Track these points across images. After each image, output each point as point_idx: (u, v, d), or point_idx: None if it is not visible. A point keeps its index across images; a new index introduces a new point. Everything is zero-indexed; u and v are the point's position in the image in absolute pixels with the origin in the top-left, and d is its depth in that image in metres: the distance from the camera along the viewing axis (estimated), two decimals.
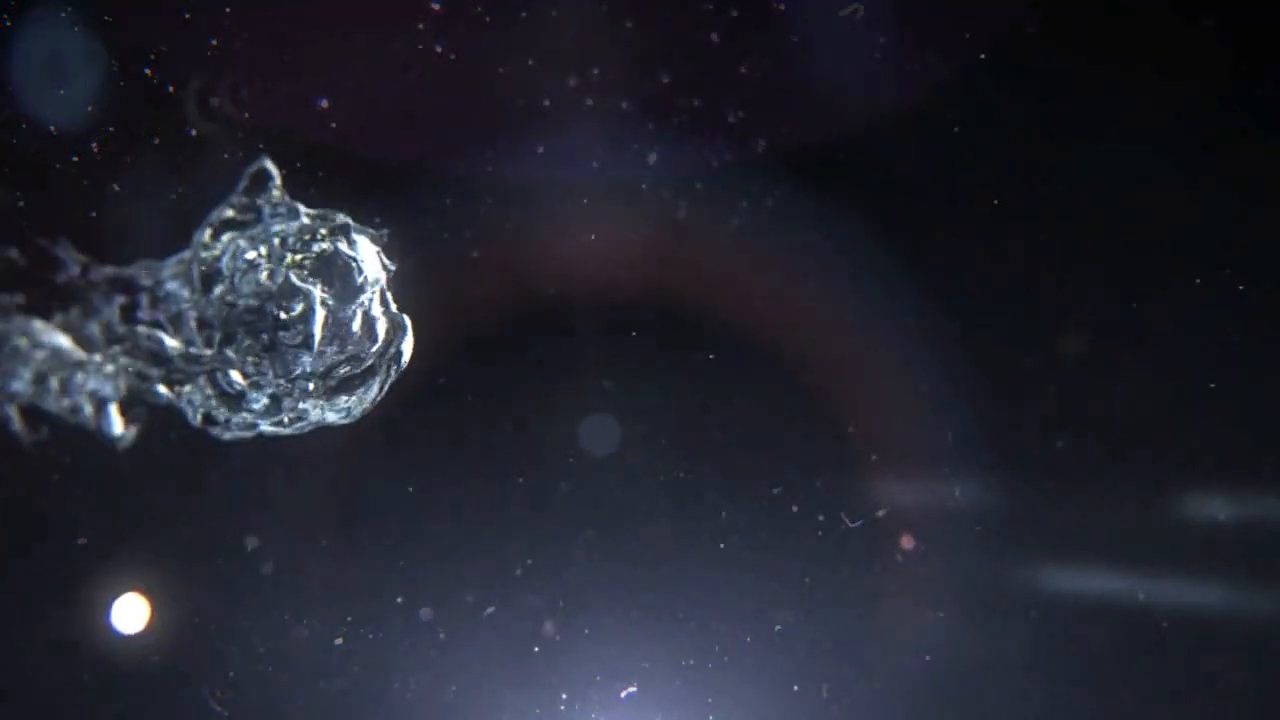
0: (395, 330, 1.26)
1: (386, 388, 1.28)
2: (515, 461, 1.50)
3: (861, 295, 1.51)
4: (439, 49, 1.38)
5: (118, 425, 1.30)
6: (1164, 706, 1.55)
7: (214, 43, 1.35)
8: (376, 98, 1.40)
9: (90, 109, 1.34)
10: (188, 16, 1.35)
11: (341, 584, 1.49)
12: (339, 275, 1.21)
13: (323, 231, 1.22)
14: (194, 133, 1.36)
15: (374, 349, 1.24)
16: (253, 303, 1.20)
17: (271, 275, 1.20)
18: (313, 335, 1.19)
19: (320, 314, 1.19)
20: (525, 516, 1.50)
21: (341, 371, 1.24)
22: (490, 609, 1.50)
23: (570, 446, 1.50)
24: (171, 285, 1.26)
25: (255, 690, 1.48)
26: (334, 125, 1.37)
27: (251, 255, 1.21)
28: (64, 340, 1.29)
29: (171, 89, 1.35)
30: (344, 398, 1.26)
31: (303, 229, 1.23)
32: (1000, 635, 1.54)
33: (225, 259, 1.22)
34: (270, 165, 1.24)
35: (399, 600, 1.49)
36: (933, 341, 1.51)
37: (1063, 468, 1.53)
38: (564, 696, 1.50)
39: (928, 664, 1.54)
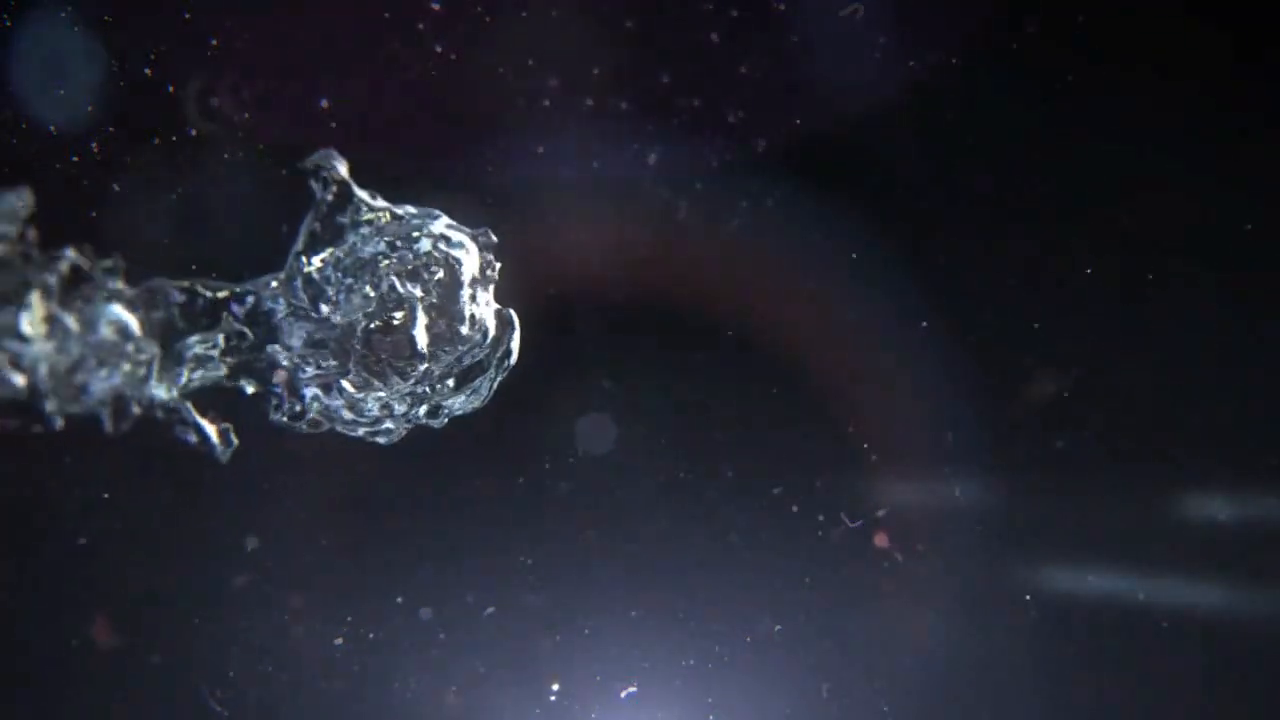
0: (504, 327, 1.24)
1: (496, 386, 1.26)
2: (515, 461, 1.50)
3: (861, 295, 1.51)
4: (439, 49, 1.38)
5: (215, 435, 1.28)
6: (1164, 706, 1.55)
7: (214, 43, 1.35)
8: (376, 98, 1.40)
9: (90, 109, 1.34)
10: (188, 16, 1.35)
11: (341, 584, 1.49)
12: (444, 278, 1.19)
13: (422, 233, 1.20)
14: (194, 133, 1.36)
15: (485, 347, 1.22)
16: (358, 316, 1.17)
17: (375, 284, 1.17)
18: (417, 342, 1.17)
19: (423, 320, 1.17)
20: (525, 516, 1.50)
21: (456, 374, 1.22)
22: (490, 609, 1.50)
23: (570, 446, 1.50)
24: (272, 304, 1.23)
25: (255, 690, 1.48)
26: (334, 125, 1.37)
27: (352, 264, 1.19)
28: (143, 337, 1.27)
29: (171, 89, 1.35)
30: (458, 399, 1.25)
31: (400, 232, 1.20)
32: (1000, 635, 1.54)
33: (327, 271, 1.20)
34: (336, 157, 1.21)
35: (399, 600, 1.49)
36: (933, 341, 1.51)
37: (1063, 468, 1.53)
38: (563, 696, 1.50)
39: (928, 664, 1.53)
